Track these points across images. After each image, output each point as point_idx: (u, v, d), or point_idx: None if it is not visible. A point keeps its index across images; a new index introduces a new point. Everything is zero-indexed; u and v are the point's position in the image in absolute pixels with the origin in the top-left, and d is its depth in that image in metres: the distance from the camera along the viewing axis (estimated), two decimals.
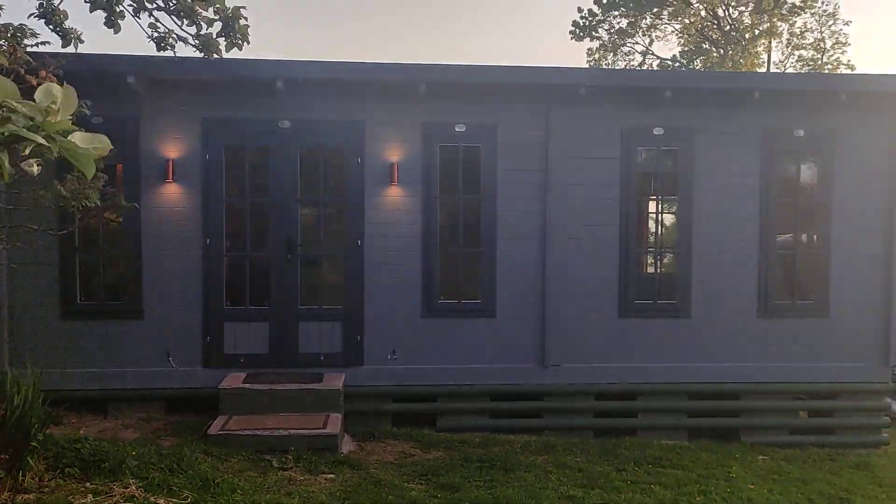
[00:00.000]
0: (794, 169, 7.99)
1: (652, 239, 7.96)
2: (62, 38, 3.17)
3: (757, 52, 29.90)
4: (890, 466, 7.34)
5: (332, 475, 5.93)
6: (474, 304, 7.64)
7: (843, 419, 7.97)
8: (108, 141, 1.72)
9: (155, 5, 3.06)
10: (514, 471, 6.32)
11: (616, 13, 30.34)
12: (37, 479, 5.14)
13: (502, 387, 7.63)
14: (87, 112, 4.83)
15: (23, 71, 4.69)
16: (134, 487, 5.09)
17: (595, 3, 30.29)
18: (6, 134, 1.42)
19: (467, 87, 7.42)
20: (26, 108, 1.49)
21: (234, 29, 3.33)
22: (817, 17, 29.28)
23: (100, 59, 6.67)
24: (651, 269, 7.88)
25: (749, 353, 7.79)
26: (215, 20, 3.22)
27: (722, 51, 30.01)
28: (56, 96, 1.55)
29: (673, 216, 7.88)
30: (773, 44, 30.03)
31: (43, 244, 6.40)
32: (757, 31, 29.55)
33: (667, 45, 44.29)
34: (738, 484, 6.34)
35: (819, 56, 30.09)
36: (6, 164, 1.51)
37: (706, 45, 30.88)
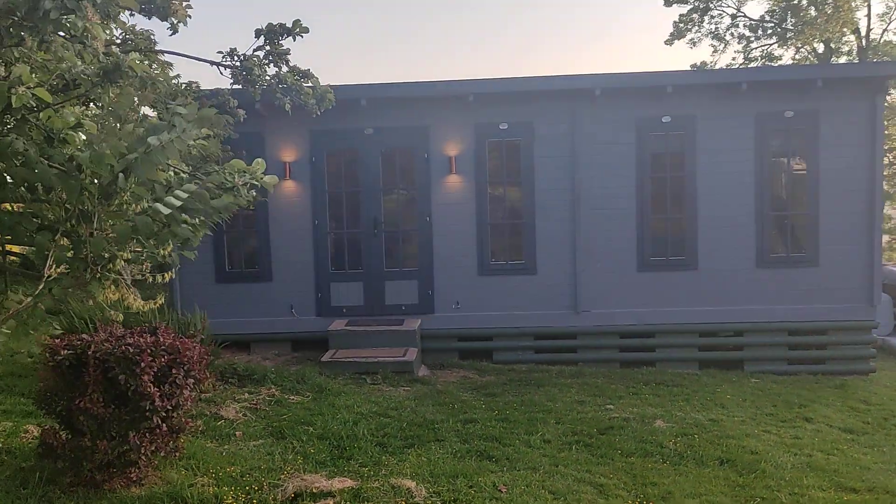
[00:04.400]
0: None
1: (666, 205, 9.73)
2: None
3: (853, 8, 29.24)
4: (863, 386, 8.89)
5: (408, 388, 8.26)
6: (519, 264, 9.73)
7: (835, 351, 9.54)
8: (277, 178, 3.94)
9: (278, 87, 5.37)
10: (544, 386, 8.43)
11: None
12: (212, 386, 7.72)
13: (543, 329, 9.71)
14: (231, 133, 7.33)
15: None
16: (274, 389, 7.62)
17: None
18: (252, 184, 3.68)
19: (507, 95, 9.45)
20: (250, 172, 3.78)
21: (324, 99, 5.60)
22: None
23: (238, 92, 9.13)
24: (662, 231, 9.66)
25: (747, 298, 9.48)
26: (311, 95, 5.48)
27: (818, 6, 29.50)
28: (261, 164, 3.82)
29: (680, 186, 9.60)
30: None
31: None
32: None
33: (764, 5, 43.25)
34: (720, 395, 8.18)
35: None
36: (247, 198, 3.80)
37: (799, 1, 30.26)
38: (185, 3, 4.06)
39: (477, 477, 5.36)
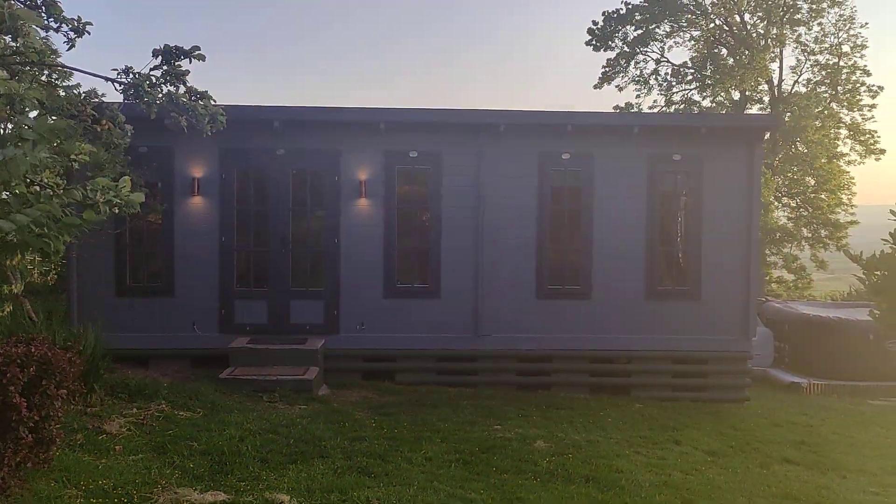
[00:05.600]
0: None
1: (564, 237, 10.21)
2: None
3: (767, 60, 30.61)
4: (736, 413, 9.53)
5: (305, 406, 8.37)
6: (424, 287, 10.03)
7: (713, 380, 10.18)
8: (143, 197, 4.09)
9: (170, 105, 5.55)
10: (440, 407, 8.69)
11: (629, 27, 31.41)
12: (100, 400, 7.64)
13: (445, 351, 10.00)
14: (123, 142, 7.37)
15: (90, 121, 7.18)
16: (165, 405, 7.63)
17: (604, 18, 31.31)
18: (115, 202, 3.82)
19: (417, 125, 9.81)
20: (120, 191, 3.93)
21: (216, 120, 5.81)
22: (834, 21, 29.74)
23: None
24: (560, 261, 10.13)
25: (636, 327, 10.02)
26: (205, 115, 5.68)
27: (737, 57, 30.87)
28: (128, 181, 3.97)
29: (578, 219, 10.11)
30: (789, 50, 30.73)
31: (103, 240, 8.96)
32: (764, 42, 30.39)
33: (686, 52, 44.84)
34: (602, 418, 8.63)
35: (836, 60, 30.80)
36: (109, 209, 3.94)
37: (719, 50, 31.64)
38: (35, 26, 4.23)
39: (353, 492, 5.55)
